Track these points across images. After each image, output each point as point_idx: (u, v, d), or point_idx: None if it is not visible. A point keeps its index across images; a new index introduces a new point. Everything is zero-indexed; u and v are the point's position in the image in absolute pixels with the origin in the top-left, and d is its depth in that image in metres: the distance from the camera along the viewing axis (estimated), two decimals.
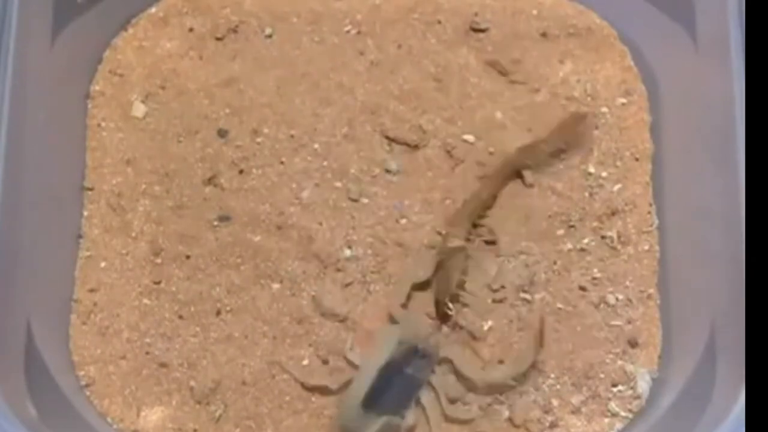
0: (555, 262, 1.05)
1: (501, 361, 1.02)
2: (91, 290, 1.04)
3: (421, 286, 1.04)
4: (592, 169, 1.09)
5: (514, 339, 1.03)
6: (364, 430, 0.97)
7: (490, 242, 1.06)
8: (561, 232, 1.07)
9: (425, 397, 0.99)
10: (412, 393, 0.99)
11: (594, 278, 1.05)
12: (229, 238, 1.06)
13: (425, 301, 1.04)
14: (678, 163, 1.07)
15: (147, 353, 1.02)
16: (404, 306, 1.03)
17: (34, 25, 1.01)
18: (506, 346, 1.02)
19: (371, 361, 0.99)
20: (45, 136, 1.01)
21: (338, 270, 1.05)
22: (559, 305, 1.04)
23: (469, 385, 1.00)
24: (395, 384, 0.98)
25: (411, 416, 0.98)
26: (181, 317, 1.04)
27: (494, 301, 1.04)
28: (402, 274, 1.04)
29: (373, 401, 0.97)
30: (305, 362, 1.02)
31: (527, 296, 1.04)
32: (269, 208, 1.07)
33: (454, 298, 1.02)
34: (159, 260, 1.05)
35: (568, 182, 1.08)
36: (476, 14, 1.15)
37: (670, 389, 0.99)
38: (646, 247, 1.06)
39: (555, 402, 1.01)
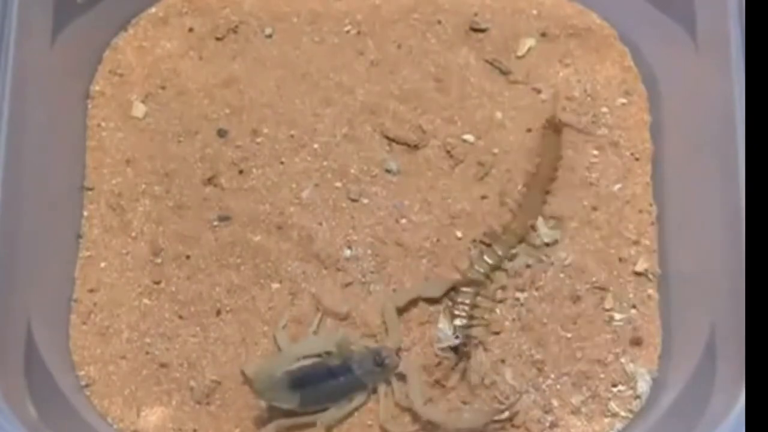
0: (555, 263, 1.05)
1: (502, 361, 1.02)
2: (91, 290, 1.04)
3: (430, 301, 1.03)
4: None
5: (514, 339, 1.03)
6: (281, 403, 0.97)
7: (487, 244, 1.05)
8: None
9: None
10: (347, 393, 0.98)
11: (594, 278, 1.05)
12: (229, 238, 1.06)
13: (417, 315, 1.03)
14: (678, 163, 1.07)
15: (147, 353, 1.02)
16: (400, 311, 1.02)
17: (34, 25, 1.00)
18: (506, 346, 1.03)
19: (312, 341, 1.00)
20: (45, 136, 1.01)
21: (338, 270, 1.05)
22: (559, 305, 1.04)
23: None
24: (335, 377, 0.98)
25: (333, 412, 0.98)
26: (181, 317, 1.04)
27: (494, 301, 1.04)
28: (413, 284, 1.04)
29: (302, 383, 0.97)
30: None
31: (527, 296, 1.04)
32: (269, 208, 1.07)
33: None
34: (159, 260, 1.05)
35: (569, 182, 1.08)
36: (476, 14, 1.15)
37: (670, 389, 0.99)
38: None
39: (555, 402, 1.01)
